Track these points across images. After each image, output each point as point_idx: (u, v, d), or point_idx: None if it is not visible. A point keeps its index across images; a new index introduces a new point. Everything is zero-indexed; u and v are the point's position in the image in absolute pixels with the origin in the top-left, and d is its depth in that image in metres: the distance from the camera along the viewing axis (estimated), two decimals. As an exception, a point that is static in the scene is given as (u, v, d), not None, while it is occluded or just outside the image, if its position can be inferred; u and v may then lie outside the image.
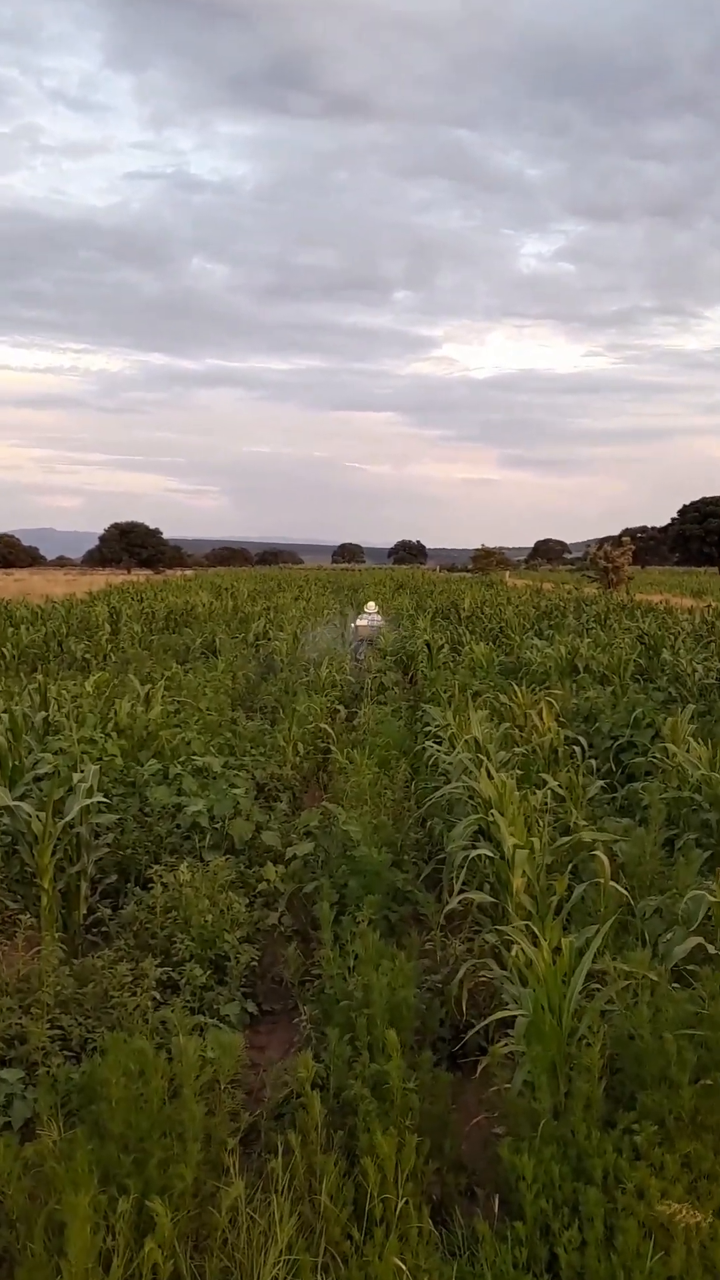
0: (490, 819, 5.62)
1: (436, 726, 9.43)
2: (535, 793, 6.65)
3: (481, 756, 7.00)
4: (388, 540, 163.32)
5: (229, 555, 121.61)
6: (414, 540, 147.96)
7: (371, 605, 24.57)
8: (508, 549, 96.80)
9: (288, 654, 17.10)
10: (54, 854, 5.73)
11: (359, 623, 22.72)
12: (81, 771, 6.61)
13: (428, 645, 16.60)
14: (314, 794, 9.70)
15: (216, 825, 7.12)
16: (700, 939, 4.41)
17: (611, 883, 5.03)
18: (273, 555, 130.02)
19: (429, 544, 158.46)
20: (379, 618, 23.85)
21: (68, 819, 5.85)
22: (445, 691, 12.11)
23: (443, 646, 16.85)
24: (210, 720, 10.82)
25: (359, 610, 25.13)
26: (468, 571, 78.02)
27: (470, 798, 6.47)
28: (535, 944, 4.09)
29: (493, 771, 6.30)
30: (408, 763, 8.89)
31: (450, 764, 7.48)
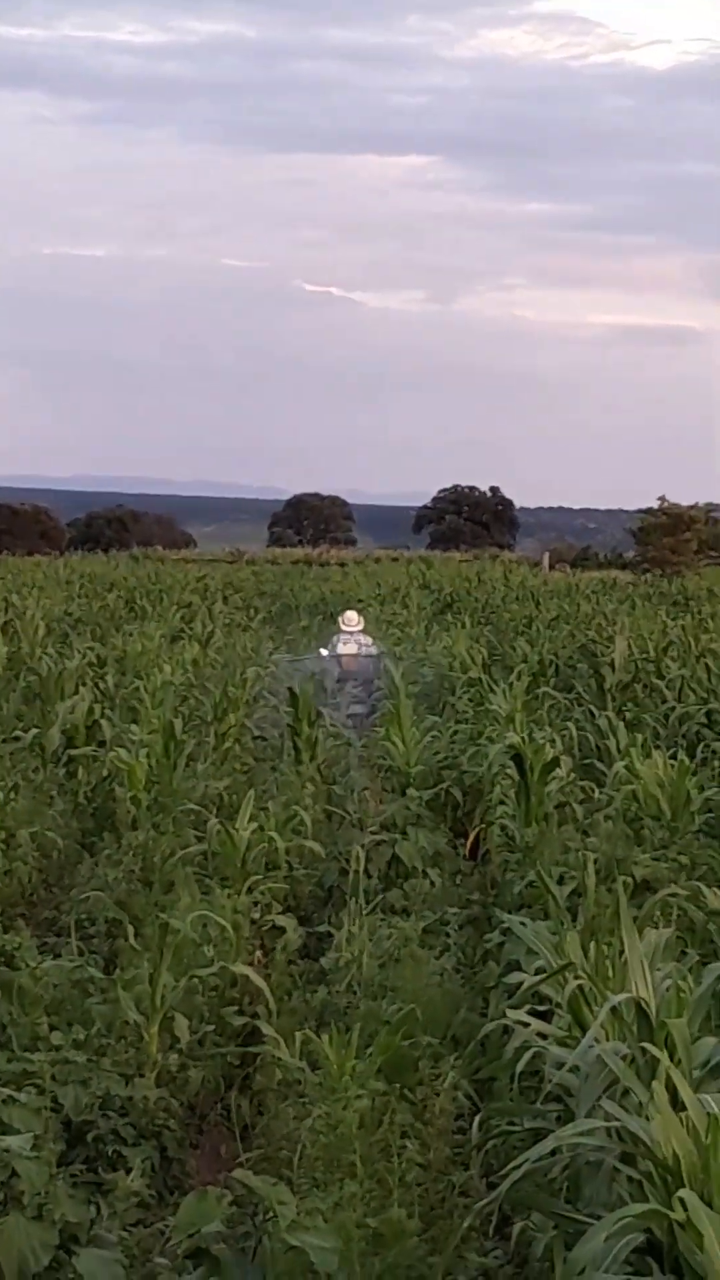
0: (676, 1215, 4.49)
1: (537, 972, 7.25)
2: None
3: (655, 1049, 5.68)
4: (414, 488, 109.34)
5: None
6: (480, 489, 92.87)
7: (352, 615, 22.53)
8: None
9: (151, 782, 13.01)
10: None
11: (340, 650, 20.94)
12: None
13: (517, 758, 12.25)
14: (215, 1146, 7.51)
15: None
16: None
17: None
18: (120, 523, 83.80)
19: (522, 500, 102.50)
20: (367, 639, 21.91)
21: None
22: (561, 878, 9.18)
23: (555, 762, 12.59)
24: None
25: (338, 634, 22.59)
26: (623, 568, 55.33)
27: (625, 1158, 5.15)
28: None
29: (684, 1089, 4.99)
30: (462, 1067, 7.13)
31: (570, 1068, 6.13)
